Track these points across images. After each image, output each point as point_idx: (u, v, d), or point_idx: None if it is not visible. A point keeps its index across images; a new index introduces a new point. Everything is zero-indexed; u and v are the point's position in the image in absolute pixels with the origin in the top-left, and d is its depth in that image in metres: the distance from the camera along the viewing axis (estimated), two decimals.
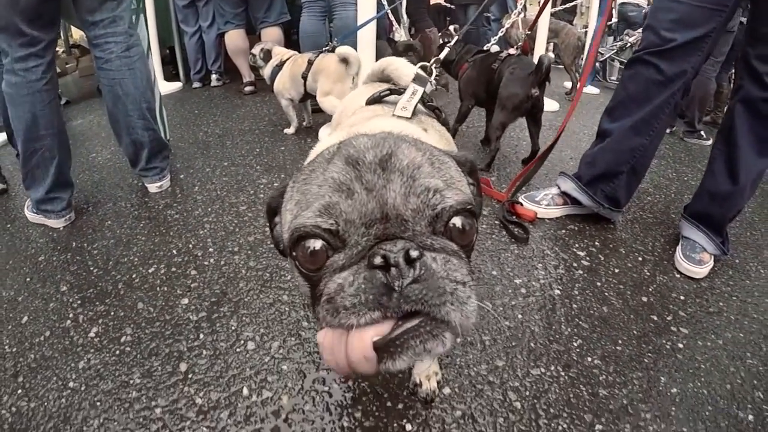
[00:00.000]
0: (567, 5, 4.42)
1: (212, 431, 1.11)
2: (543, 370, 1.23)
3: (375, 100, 1.04)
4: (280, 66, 2.91)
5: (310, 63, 2.76)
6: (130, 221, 2.10)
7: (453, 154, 0.68)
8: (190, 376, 1.26)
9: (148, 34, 2.88)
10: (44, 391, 1.29)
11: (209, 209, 2.14)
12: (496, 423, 1.09)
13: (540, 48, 3.67)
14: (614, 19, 5.67)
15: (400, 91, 1.02)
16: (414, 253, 0.50)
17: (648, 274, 1.65)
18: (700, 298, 1.56)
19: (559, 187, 1.97)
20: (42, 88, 1.92)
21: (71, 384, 1.30)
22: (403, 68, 1.23)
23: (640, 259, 1.73)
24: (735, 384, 1.24)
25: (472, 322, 0.52)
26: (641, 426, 1.11)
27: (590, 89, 3.97)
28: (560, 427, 1.09)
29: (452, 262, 0.54)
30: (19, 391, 1.31)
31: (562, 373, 1.23)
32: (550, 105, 3.41)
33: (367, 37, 2.38)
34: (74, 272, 1.79)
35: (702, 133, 3.35)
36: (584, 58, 3.84)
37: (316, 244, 0.55)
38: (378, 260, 0.50)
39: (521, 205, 1.99)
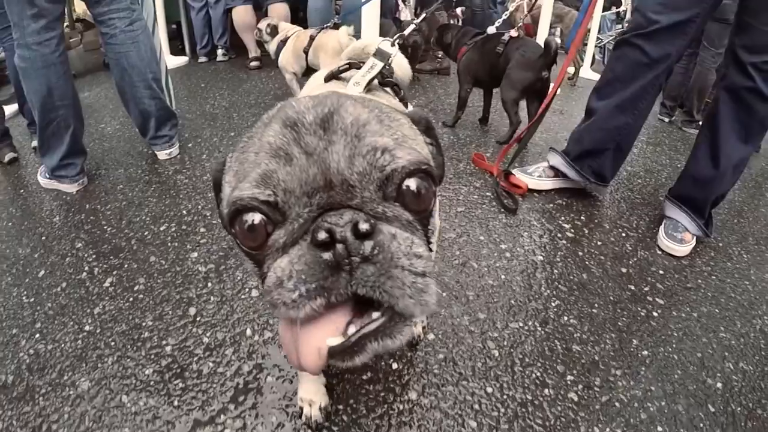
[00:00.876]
0: None
1: (218, 365, 1.23)
2: (521, 324, 1.34)
3: (333, 75, 1.00)
4: (284, 41, 2.99)
5: (312, 39, 2.84)
6: (141, 185, 2.20)
7: (407, 112, 0.64)
8: (198, 318, 1.38)
9: (154, 8, 2.97)
10: (61, 335, 1.41)
11: None
12: (475, 367, 1.20)
13: (543, 32, 3.72)
14: (623, 7, 5.68)
15: (359, 66, 0.98)
16: (364, 226, 0.45)
17: (630, 248, 1.74)
18: (679, 274, 1.64)
19: (548, 162, 2.06)
20: (56, 60, 2.00)
21: (87, 328, 1.42)
22: (371, 45, 1.14)
23: (623, 235, 1.82)
24: (706, 354, 1.32)
25: (435, 310, 0.51)
26: (611, 380, 1.20)
27: (591, 75, 4.02)
28: (534, 375, 1.20)
29: (412, 239, 0.49)
30: (37, 335, 1.42)
31: (539, 329, 1.34)
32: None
33: (372, 15, 2.44)
34: (88, 231, 1.89)
35: (700, 123, 3.41)
36: (585, 45, 3.90)
37: (255, 218, 0.49)
38: (322, 236, 0.45)
39: (514, 175, 2.08)
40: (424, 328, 1.25)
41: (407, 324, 0.47)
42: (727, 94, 1.59)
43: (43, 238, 1.90)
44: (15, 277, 1.71)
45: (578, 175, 1.95)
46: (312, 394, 1.07)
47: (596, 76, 4.07)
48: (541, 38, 3.44)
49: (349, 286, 0.45)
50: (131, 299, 1.50)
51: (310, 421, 1.06)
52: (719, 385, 1.23)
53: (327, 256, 0.45)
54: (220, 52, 4.57)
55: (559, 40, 3.85)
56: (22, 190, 2.35)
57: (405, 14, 3.80)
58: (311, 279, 0.45)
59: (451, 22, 2.98)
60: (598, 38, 4.31)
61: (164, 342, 1.32)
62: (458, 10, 3.88)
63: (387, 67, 0.97)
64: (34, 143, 2.81)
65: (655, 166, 2.60)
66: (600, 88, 1.87)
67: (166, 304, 1.45)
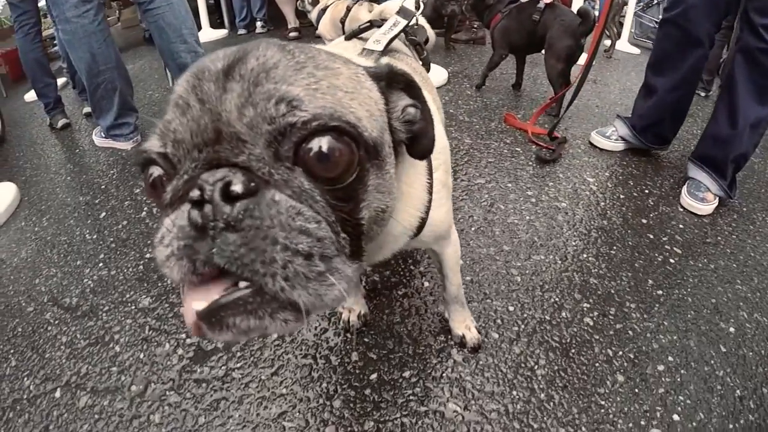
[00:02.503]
0: None
1: None
2: (542, 257, 1.48)
3: (353, 34, 0.98)
4: (324, 10, 3.14)
5: (348, 9, 2.97)
6: None
7: (368, 66, 0.55)
8: None
9: None
10: (123, 263, 1.63)
11: None
12: (498, 289, 1.36)
13: (578, 1, 3.72)
14: None
15: (380, 25, 0.95)
16: (236, 187, 0.40)
17: (651, 203, 1.83)
18: (699, 230, 1.70)
19: (615, 129, 2.22)
20: (96, 29, 2.20)
21: (148, 255, 1.64)
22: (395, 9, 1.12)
23: (646, 191, 1.91)
24: (720, 301, 1.38)
25: (329, 306, 0.43)
26: (625, 312, 1.32)
27: (631, 49, 3.98)
28: (552, 299, 1.34)
29: (301, 211, 0.42)
30: (100, 264, 1.65)
31: (559, 262, 1.47)
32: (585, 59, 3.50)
33: None
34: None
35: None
36: (623, 17, 3.87)
37: (154, 171, 0.47)
38: (195, 194, 0.40)
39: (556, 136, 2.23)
40: (477, 328, 1.21)
41: (286, 309, 0.41)
42: (741, 55, 1.66)
43: (102, 187, 2.14)
44: (77, 219, 1.95)
45: (643, 144, 2.15)
46: (352, 303, 1.24)
47: (633, 50, 4.06)
48: (575, 8, 3.46)
49: (211, 256, 0.40)
50: None
51: (349, 326, 1.24)
52: (732, 329, 1.28)
53: (194, 215, 0.40)
54: (259, 24, 4.70)
55: (596, 12, 3.85)
56: (77, 150, 2.62)
57: None
58: (180, 238, 0.41)
59: None
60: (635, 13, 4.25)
61: None
62: None
63: (412, 26, 0.95)
64: (86, 110, 3.09)
65: (686, 135, 2.62)
66: (654, 65, 2.03)
67: None
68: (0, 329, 1.46)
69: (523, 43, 2.63)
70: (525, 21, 2.54)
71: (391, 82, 0.55)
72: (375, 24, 1.00)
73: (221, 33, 4.78)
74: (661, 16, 2.04)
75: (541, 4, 2.50)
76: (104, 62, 2.27)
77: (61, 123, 2.95)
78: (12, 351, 1.39)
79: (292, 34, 4.31)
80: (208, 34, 4.68)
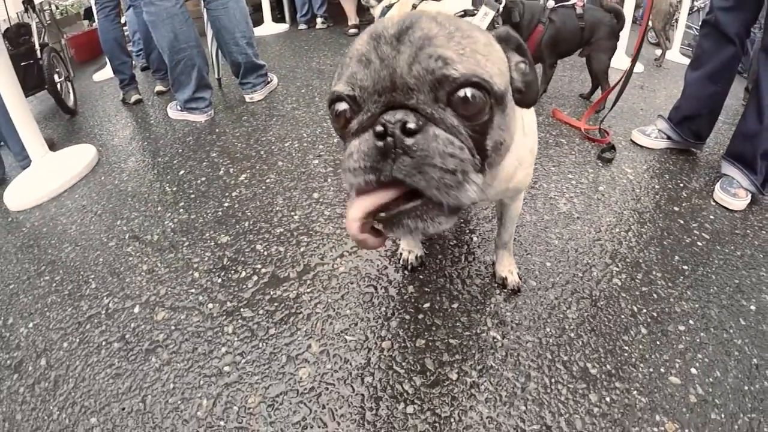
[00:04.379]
0: None
1: (335, 229, 1.64)
2: (578, 227, 1.65)
3: None
4: (389, 7, 3.34)
5: (414, 7, 3.16)
6: (263, 117, 2.66)
7: (494, 32, 0.72)
8: (320, 200, 1.80)
9: None
10: (203, 209, 1.83)
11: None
12: (538, 249, 1.53)
13: (629, 10, 3.81)
14: None
15: (473, 13, 1.17)
16: (410, 125, 0.57)
17: (685, 195, 1.94)
18: (729, 222, 1.80)
19: (657, 126, 2.37)
20: (177, 11, 2.45)
21: (226, 204, 1.84)
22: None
23: (680, 185, 2.02)
24: (744, 283, 1.47)
25: (465, 204, 0.59)
26: (651, 279, 1.45)
27: (681, 59, 4.03)
28: (584, 261, 1.50)
29: (453, 141, 0.58)
30: (180, 210, 1.85)
31: (593, 232, 1.63)
32: (635, 67, 3.58)
33: None
34: (221, 146, 2.35)
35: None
36: (675, 24, 3.93)
37: (341, 106, 0.64)
38: (378, 128, 0.57)
39: (607, 133, 2.36)
40: (518, 274, 1.40)
41: (442, 214, 0.59)
42: (764, 53, 1.81)
43: (180, 151, 2.38)
44: (156, 175, 2.17)
45: (680, 137, 2.28)
46: (412, 246, 1.44)
47: (683, 60, 4.11)
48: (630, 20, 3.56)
49: (391, 170, 0.57)
50: (264, 187, 1.93)
51: (408, 264, 1.43)
52: (753, 307, 1.37)
53: (380, 144, 0.57)
54: (319, 20, 4.91)
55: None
56: (151, 121, 2.88)
57: None
58: (368, 158, 0.58)
59: None
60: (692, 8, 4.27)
61: (293, 213, 1.74)
62: None
63: (497, 15, 1.15)
64: (158, 88, 3.38)
65: (725, 140, 2.69)
66: (692, 62, 2.20)
67: (294, 190, 1.88)
68: (82, 259, 1.67)
69: (571, 48, 2.71)
70: (571, 27, 2.60)
71: (508, 42, 0.73)
72: (468, 13, 1.21)
73: (282, 27, 5.06)
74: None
75: (579, 9, 2.59)
76: (185, 41, 2.51)
77: (134, 98, 3.25)
78: (92, 276, 1.58)
79: (352, 30, 4.51)
80: (269, 28, 4.97)
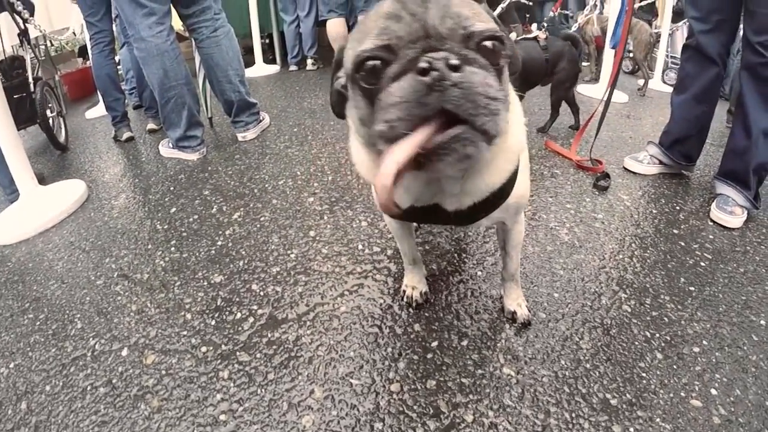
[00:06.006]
0: (643, 3, 4.62)
1: (335, 267, 1.59)
2: (582, 256, 1.62)
3: None
4: None
5: None
6: (256, 156, 2.65)
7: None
8: (317, 238, 1.76)
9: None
10: (195, 248, 1.78)
11: (323, 150, 2.65)
12: (544, 280, 1.50)
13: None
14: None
15: None
16: (454, 61, 0.62)
17: (682, 218, 1.94)
18: (729, 240, 1.79)
19: (648, 152, 2.40)
20: (168, 48, 2.43)
21: (219, 242, 1.80)
22: None
23: (677, 208, 2.02)
24: (751, 299, 1.46)
25: (501, 131, 0.67)
26: (660, 303, 1.43)
27: (663, 87, 4.15)
28: (592, 289, 1.46)
29: (488, 76, 0.65)
30: (172, 248, 1.80)
31: (597, 260, 1.60)
32: (619, 97, 3.69)
33: None
34: (213, 184, 2.32)
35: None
36: (654, 57, 4.06)
37: (375, 62, 0.67)
38: (424, 64, 0.62)
39: (600, 162, 2.38)
40: (527, 307, 1.37)
41: (483, 140, 0.65)
42: (746, 72, 1.85)
43: (172, 188, 2.34)
44: (147, 212, 2.12)
45: (671, 161, 2.30)
46: (416, 282, 1.40)
47: (666, 88, 4.22)
48: (608, 49, 3.67)
49: (439, 102, 0.61)
50: (258, 226, 1.89)
51: (412, 301, 1.38)
52: (762, 322, 1.37)
53: (427, 79, 0.62)
54: (309, 61, 5.03)
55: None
56: (143, 159, 2.85)
57: None
58: (415, 93, 0.62)
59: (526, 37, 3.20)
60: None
61: (289, 252, 1.70)
62: (533, 27, 4.17)
63: None
64: (149, 126, 3.37)
65: (714, 162, 2.72)
66: (677, 86, 2.25)
67: (289, 228, 1.84)
68: (68, 297, 1.60)
69: (538, 78, 2.76)
70: (537, 58, 2.67)
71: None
72: None
73: (273, 69, 5.16)
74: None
75: (543, 42, 2.67)
76: (175, 78, 2.49)
77: (125, 136, 3.23)
78: (79, 315, 1.50)
79: None
80: (261, 69, 5.06)
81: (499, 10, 3.30)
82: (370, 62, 0.68)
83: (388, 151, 0.63)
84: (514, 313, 1.32)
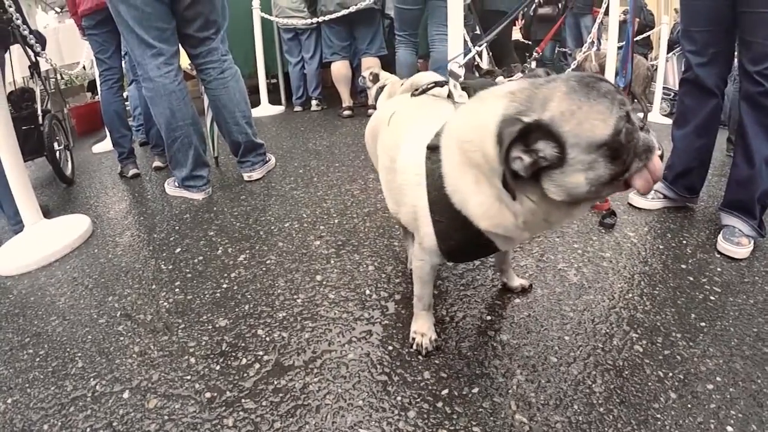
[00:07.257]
0: (638, 37, 4.74)
1: (342, 312, 1.58)
2: (591, 297, 1.61)
3: (422, 91, 1.38)
4: (382, 88, 3.52)
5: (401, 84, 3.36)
6: (261, 197, 2.68)
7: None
8: (324, 282, 1.75)
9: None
10: (199, 290, 1.77)
11: (329, 192, 2.67)
12: (554, 323, 1.48)
13: (609, 78, 4.01)
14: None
15: (441, 84, 1.39)
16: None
17: (689, 251, 1.93)
18: (737, 272, 1.78)
19: None
20: (176, 88, 2.49)
21: (224, 285, 1.79)
22: (427, 77, 1.49)
23: (683, 242, 2.02)
24: (762, 330, 1.43)
25: None
26: (671, 340, 1.41)
27: (660, 119, 4.22)
28: (603, 330, 1.45)
29: None
30: (176, 290, 1.79)
31: (606, 301, 1.59)
32: None
33: (456, 68, 2.87)
34: (219, 224, 2.33)
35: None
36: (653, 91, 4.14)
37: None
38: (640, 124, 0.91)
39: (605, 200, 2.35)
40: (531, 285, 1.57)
41: None
42: (745, 102, 1.88)
43: (177, 228, 2.35)
44: (152, 251, 2.12)
45: (675, 194, 2.32)
46: (425, 329, 1.39)
47: (665, 120, 4.29)
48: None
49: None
50: (264, 269, 1.89)
51: (421, 348, 1.37)
52: (766, 350, 1.35)
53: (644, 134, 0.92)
54: (314, 102, 5.16)
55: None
56: (148, 196, 2.88)
57: (484, 64, 4.25)
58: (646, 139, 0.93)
59: (524, 75, 3.29)
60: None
61: (295, 296, 1.69)
62: (533, 65, 4.27)
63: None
64: (156, 164, 3.42)
65: (718, 192, 2.74)
66: (677, 120, 2.28)
67: (296, 272, 1.84)
68: (69, 334, 1.59)
69: None
70: None
71: None
72: (439, 84, 1.39)
73: (278, 109, 5.29)
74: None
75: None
76: (182, 118, 2.53)
77: (132, 172, 3.28)
78: (80, 354, 1.48)
79: (346, 112, 4.69)
80: (266, 109, 5.19)
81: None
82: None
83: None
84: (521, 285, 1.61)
